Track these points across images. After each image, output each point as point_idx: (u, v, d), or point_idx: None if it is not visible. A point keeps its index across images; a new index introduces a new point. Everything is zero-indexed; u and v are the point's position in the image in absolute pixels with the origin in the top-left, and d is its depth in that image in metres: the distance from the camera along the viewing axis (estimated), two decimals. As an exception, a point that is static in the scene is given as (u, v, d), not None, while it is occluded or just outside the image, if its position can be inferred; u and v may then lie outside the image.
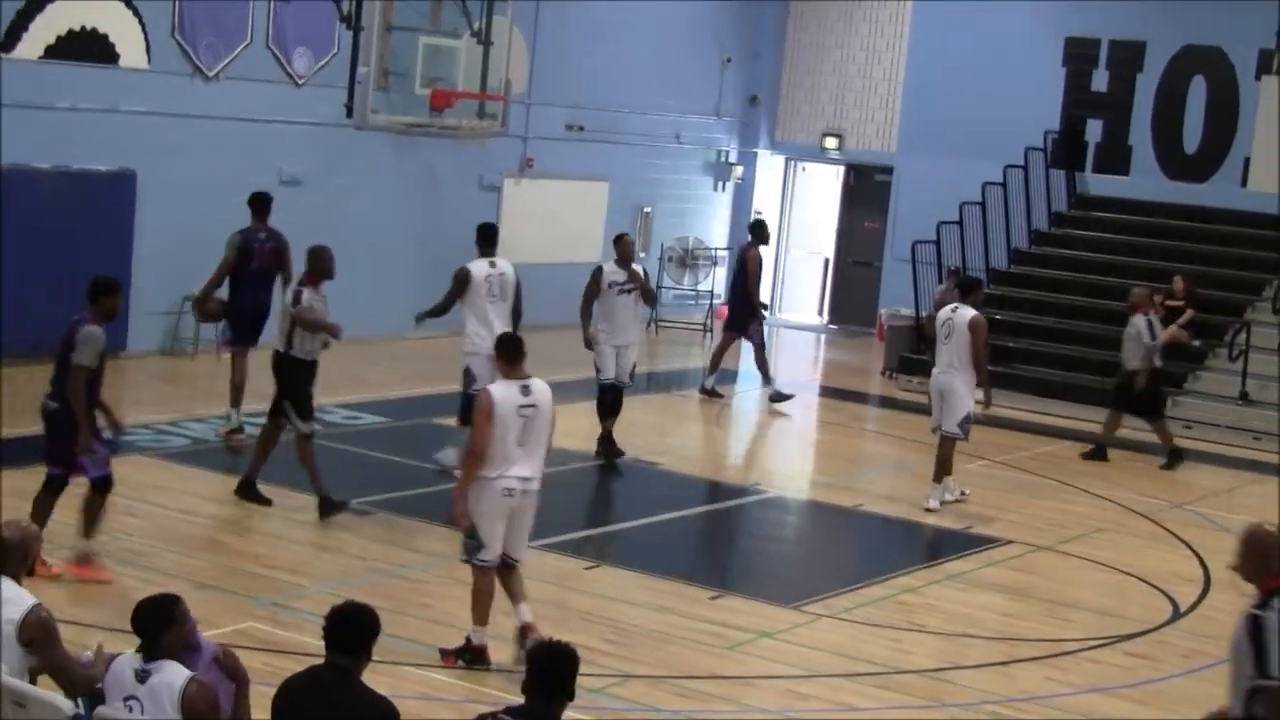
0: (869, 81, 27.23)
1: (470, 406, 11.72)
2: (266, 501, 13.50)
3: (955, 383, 15.44)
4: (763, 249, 20.87)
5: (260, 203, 16.39)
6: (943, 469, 15.64)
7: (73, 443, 11.10)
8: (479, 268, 14.91)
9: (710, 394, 20.12)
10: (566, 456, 15.64)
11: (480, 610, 10.30)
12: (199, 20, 19.49)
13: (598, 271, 16.38)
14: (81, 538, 11.36)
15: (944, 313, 15.70)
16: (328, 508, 13.21)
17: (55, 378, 11.21)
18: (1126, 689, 11.09)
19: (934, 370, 15.80)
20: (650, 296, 16.92)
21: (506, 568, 10.37)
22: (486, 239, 15.20)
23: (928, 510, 15.40)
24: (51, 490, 11.34)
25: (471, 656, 10.24)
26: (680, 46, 26.37)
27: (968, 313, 15.43)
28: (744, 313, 20.20)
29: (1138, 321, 18.18)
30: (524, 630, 10.28)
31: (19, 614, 7.01)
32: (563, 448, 15.72)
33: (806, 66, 27.77)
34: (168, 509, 13.23)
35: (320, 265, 13.51)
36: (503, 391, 10.12)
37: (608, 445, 16.32)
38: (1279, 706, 6.96)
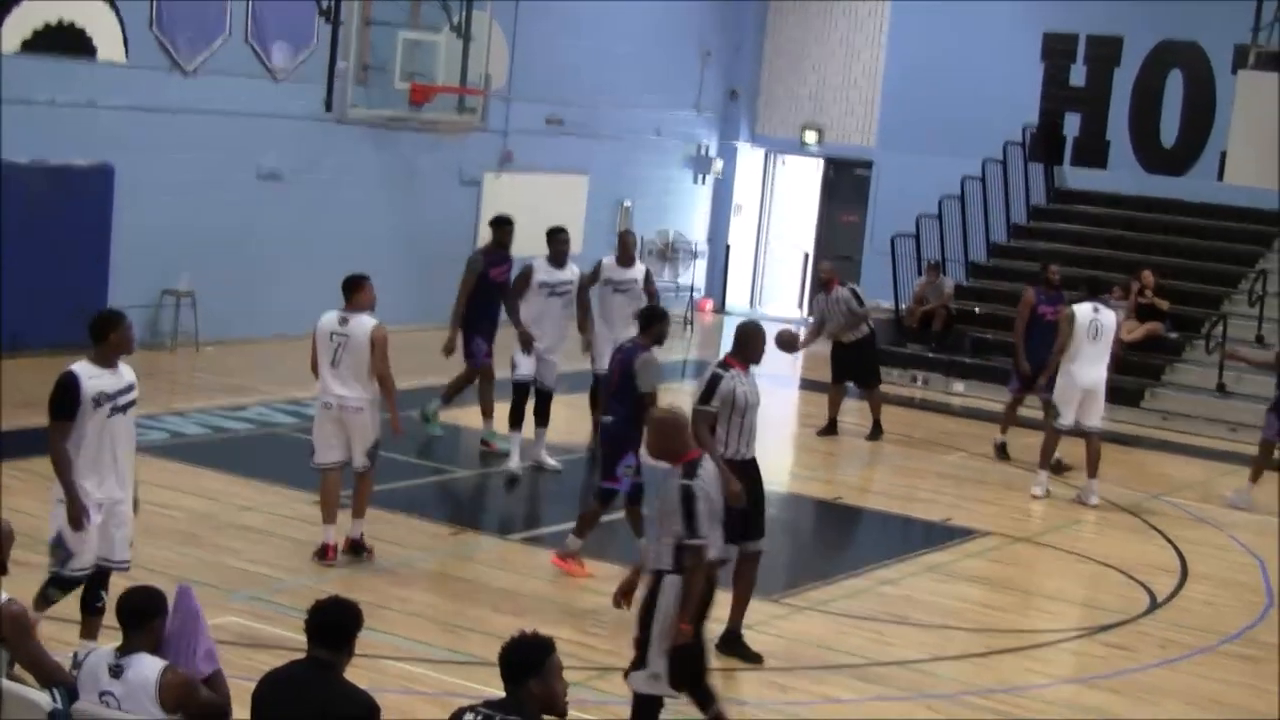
0: (848, 76, 27.26)
1: None
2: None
3: (1104, 382, 16.06)
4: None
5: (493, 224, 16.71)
6: (1092, 463, 16.10)
7: (620, 458, 12.11)
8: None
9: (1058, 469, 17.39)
10: (553, 450, 15.64)
11: (325, 511, 11.94)
12: (177, 14, 19.40)
13: (597, 265, 16.31)
14: (574, 535, 12.34)
15: (1085, 312, 15.91)
16: None
17: (611, 400, 12.15)
18: (1105, 679, 11.15)
19: (1073, 368, 15.93)
20: (653, 297, 16.02)
21: (358, 477, 11.97)
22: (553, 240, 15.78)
23: (1034, 497, 16.20)
24: (602, 502, 12.33)
25: (320, 554, 11.88)
26: (660, 41, 26.36)
27: (1113, 312, 16.13)
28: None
29: (842, 293, 18.23)
30: (352, 545, 12.00)
31: (-10, 611, 6.98)
32: (551, 441, 15.74)
33: (786, 61, 27.79)
34: (146, 503, 13.12)
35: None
36: (324, 318, 11.96)
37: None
38: (698, 559, 8.41)
